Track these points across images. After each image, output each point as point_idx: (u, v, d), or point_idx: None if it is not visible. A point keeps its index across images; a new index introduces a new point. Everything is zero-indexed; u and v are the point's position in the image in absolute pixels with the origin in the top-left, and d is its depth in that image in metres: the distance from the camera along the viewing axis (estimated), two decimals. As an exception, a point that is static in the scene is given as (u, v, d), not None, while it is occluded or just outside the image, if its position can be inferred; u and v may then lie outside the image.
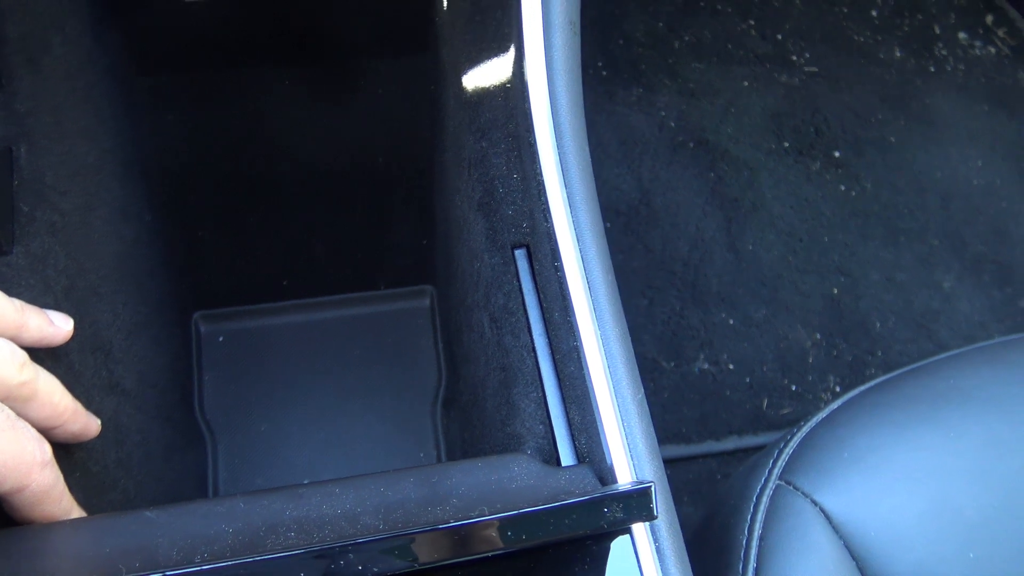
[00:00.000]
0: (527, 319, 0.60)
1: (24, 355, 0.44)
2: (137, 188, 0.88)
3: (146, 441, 0.79)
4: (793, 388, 1.16)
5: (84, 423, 0.52)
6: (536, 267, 0.62)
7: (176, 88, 0.96)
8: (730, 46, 1.49)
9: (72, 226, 0.69)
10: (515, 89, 0.66)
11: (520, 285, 0.62)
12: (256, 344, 1.02)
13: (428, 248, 1.03)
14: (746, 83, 1.44)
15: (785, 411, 1.14)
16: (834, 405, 0.70)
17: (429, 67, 0.95)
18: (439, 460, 0.96)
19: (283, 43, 0.95)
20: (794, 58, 1.49)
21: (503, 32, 0.68)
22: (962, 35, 1.56)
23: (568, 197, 0.59)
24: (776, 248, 1.26)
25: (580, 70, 0.63)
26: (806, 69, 1.47)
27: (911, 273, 1.26)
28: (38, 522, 0.43)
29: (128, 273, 0.82)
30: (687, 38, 1.50)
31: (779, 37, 1.52)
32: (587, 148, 0.62)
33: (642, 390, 0.53)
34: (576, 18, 0.64)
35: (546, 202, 0.60)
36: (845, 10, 1.56)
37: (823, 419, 0.69)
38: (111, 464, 0.66)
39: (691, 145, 1.35)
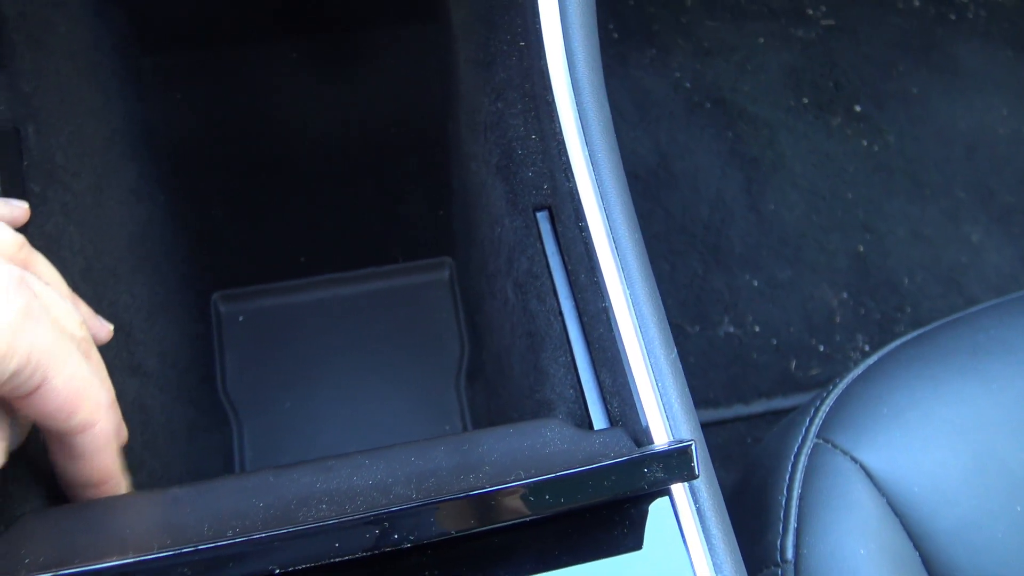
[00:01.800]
0: (552, 282, 0.59)
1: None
2: (148, 168, 0.86)
3: (170, 421, 0.78)
4: (821, 349, 1.14)
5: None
6: (559, 229, 0.61)
7: (183, 66, 0.95)
8: (743, 1, 1.46)
9: (85, 207, 0.68)
10: (530, 47, 0.64)
11: (543, 248, 0.61)
12: (276, 322, 1.01)
13: (445, 219, 1.01)
14: (761, 39, 1.41)
15: (814, 372, 1.12)
16: (869, 361, 0.68)
17: (438, 33, 0.93)
18: (464, 429, 0.95)
19: (289, 16, 0.94)
20: (810, 11, 1.45)
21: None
22: (983, -19, 1.52)
23: (590, 155, 0.58)
24: (799, 207, 1.24)
25: (596, 25, 0.61)
26: (822, 22, 1.44)
27: (938, 227, 1.24)
28: (97, 475, 0.42)
29: (144, 254, 0.81)
30: (699, -4, 1.46)
31: (794, -9, 1.48)
32: (607, 104, 0.60)
33: (675, 350, 0.52)
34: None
35: (567, 161, 0.58)
36: (861, -40, 1.52)
37: (859, 376, 0.67)
38: (137, 446, 0.65)
39: (707, 105, 1.32)
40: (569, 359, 0.57)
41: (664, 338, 0.52)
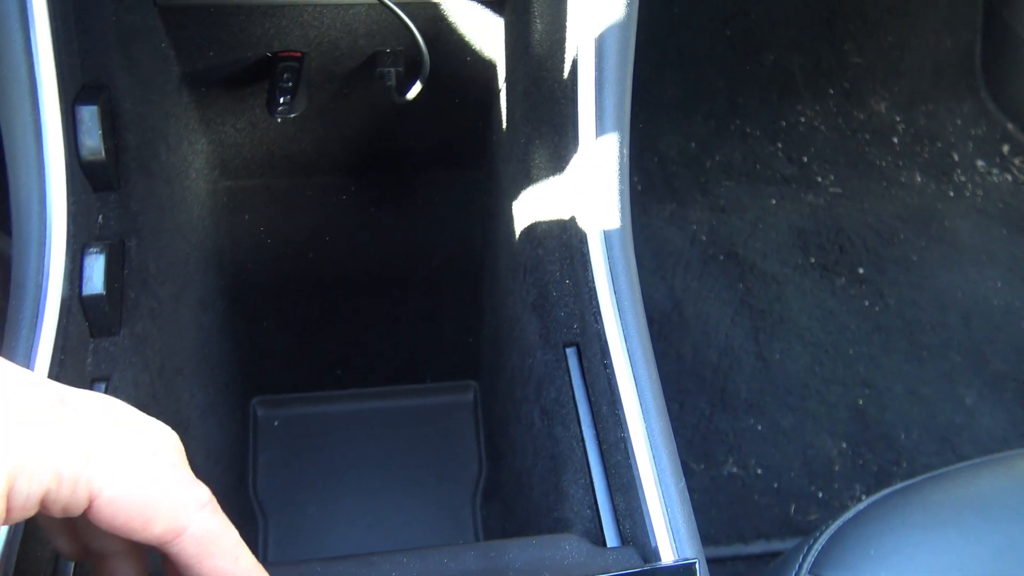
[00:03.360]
0: (577, 411, 0.66)
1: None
2: (215, 280, 0.96)
3: None
4: (820, 495, 1.19)
5: None
6: (585, 364, 0.69)
7: (253, 191, 1.06)
8: (758, 166, 1.59)
9: (166, 313, 0.77)
10: (570, 207, 0.74)
11: (571, 380, 0.68)
12: (309, 429, 1.08)
13: (474, 345, 1.10)
14: (773, 201, 1.53)
15: (812, 517, 1.17)
16: (861, 506, 0.74)
17: (484, 180, 1.04)
18: (477, 549, 1.00)
19: (352, 154, 1.05)
20: (819, 179, 1.58)
21: (559, 154, 0.76)
22: (980, 163, 1.65)
23: (617, 303, 0.66)
24: (803, 358, 1.32)
25: (628, 195, 0.70)
26: (831, 190, 1.56)
27: (934, 387, 1.31)
28: None
29: (204, 358, 0.89)
30: (718, 158, 1.60)
31: (804, 159, 1.61)
32: (634, 258, 0.69)
33: (683, 480, 0.59)
34: (627, 147, 0.72)
35: (597, 306, 0.67)
36: (867, 136, 1.66)
37: (851, 518, 0.73)
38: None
39: (721, 258, 1.42)
40: (588, 481, 0.63)
41: (674, 469, 0.59)
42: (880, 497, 0.75)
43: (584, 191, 0.71)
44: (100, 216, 0.72)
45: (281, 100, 0.86)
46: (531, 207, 0.80)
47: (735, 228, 1.47)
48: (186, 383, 0.81)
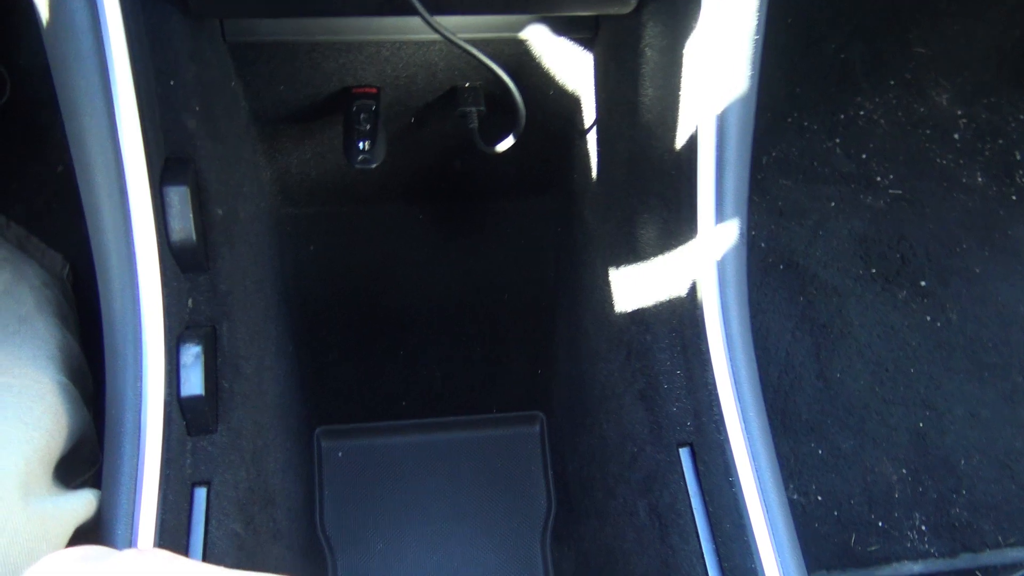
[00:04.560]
0: (695, 524, 0.64)
1: None
2: (286, 325, 0.92)
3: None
4: (880, 524, 1.19)
5: None
6: (701, 468, 0.66)
7: (317, 219, 1.01)
8: (816, 164, 1.53)
9: (252, 391, 0.74)
10: (682, 292, 0.70)
11: (686, 487, 0.66)
12: (373, 461, 1.06)
13: (544, 378, 1.07)
14: (832, 204, 1.48)
15: (872, 548, 1.17)
16: None
17: (561, 215, 0.99)
18: (548, 591, 0.99)
19: (422, 183, 1.00)
20: (878, 179, 1.53)
21: (671, 231, 0.72)
22: (1043, 163, 1.59)
23: (741, 411, 0.63)
24: (863, 377, 1.30)
25: (747, 290, 0.67)
26: (890, 191, 1.51)
27: (995, 409, 1.29)
28: None
29: (283, 414, 0.87)
30: (774, 154, 1.54)
31: (863, 156, 1.55)
32: (755, 358, 0.66)
33: None
34: (745, 228, 0.68)
35: (719, 413, 0.64)
36: (928, 132, 1.60)
37: None
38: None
39: (781, 267, 1.39)
40: None
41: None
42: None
43: (702, 281, 0.67)
44: (190, 300, 0.68)
45: (360, 147, 0.82)
46: (635, 281, 0.76)
47: (795, 234, 1.42)
48: (272, 452, 0.79)
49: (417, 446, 1.07)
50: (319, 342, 1.03)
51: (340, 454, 1.06)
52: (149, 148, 0.62)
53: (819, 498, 1.20)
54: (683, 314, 0.69)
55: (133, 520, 0.56)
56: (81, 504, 0.57)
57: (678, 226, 0.70)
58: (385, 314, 1.05)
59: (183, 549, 0.60)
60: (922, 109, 1.62)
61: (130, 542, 0.55)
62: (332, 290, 1.02)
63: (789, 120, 1.57)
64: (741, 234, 0.67)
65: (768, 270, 1.38)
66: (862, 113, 1.60)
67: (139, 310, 0.61)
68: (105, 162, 0.59)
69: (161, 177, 0.64)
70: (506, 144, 0.82)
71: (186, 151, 0.68)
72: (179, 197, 0.64)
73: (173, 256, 0.65)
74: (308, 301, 1.01)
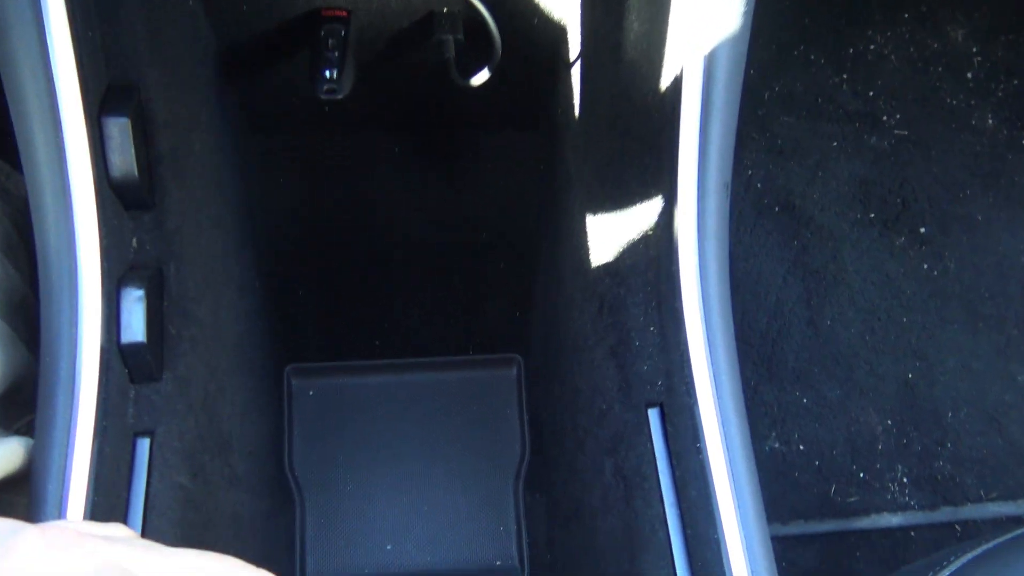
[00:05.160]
0: (660, 489, 0.61)
1: None
2: (252, 261, 0.88)
3: (253, 520, 0.81)
4: (861, 475, 1.17)
5: None
6: (670, 430, 0.63)
7: (287, 150, 0.96)
8: (820, 100, 1.47)
9: (207, 336, 0.70)
10: (659, 244, 0.66)
11: (653, 449, 0.63)
12: (345, 401, 1.04)
13: (521, 320, 1.04)
14: (835, 143, 1.42)
15: (852, 499, 1.15)
16: (989, 545, 0.69)
17: (544, 150, 0.94)
18: (519, 536, 0.98)
19: (398, 112, 0.95)
20: (884, 118, 1.47)
21: (650, 180, 0.67)
22: (1057, 105, 1.53)
23: (714, 375, 0.60)
24: (854, 325, 1.26)
25: (728, 246, 0.63)
26: (896, 132, 1.45)
27: (987, 362, 1.26)
28: None
29: (245, 354, 0.84)
30: (777, 89, 1.47)
31: (871, 94, 1.49)
32: (732, 321, 0.62)
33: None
34: (729, 179, 0.63)
35: (690, 376, 0.61)
36: (939, 69, 1.53)
37: (979, 555, 0.68)
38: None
39: (776, 209, 1.34)
40: (670, 574, 0.59)
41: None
42: (1011, 539, 0.70)
43: (681, 235, 0.63)
44: (134, 240, 0.64)
45: (327, 75, 0.76)
46: (612, 229, 0.71)
47: (793, 174, 1.37)
48: (228, 396, 0.76)
49: (391, 386, 1.05)
50: (288, 279, 0.99)
51: (311, 393, 1.03)
52: (85, 73, 0.57)
53: (801, 447, 1.18)
54: (659, 269, 0.66)
55: (65, 475, 0.53)
56: (7, 452, 0.54)
57: (659, 174, 0.66)
58: (357, 250, 1.01)
59: (122, 504, 0.57)
60: (936, 45, 1.55)
61: (60, 498, 0.52)
62: (303, 226, 0.98)
63: (795, 53, 1.50)
64: (725, 185, 0.63)
65: (763, 212, 1.33)
66: (872, 48, 1.53)
67: (75, 250, 0.57)
68: (36, 89, 0.54)
69: (100, 107, 0.59)
70: (481, 78, 0.77)
71: (130, 77, 0.63)
72: (119, 129, 0.59)
73: (114, 192, 0.61)
74: (276, 237, 0.96)
